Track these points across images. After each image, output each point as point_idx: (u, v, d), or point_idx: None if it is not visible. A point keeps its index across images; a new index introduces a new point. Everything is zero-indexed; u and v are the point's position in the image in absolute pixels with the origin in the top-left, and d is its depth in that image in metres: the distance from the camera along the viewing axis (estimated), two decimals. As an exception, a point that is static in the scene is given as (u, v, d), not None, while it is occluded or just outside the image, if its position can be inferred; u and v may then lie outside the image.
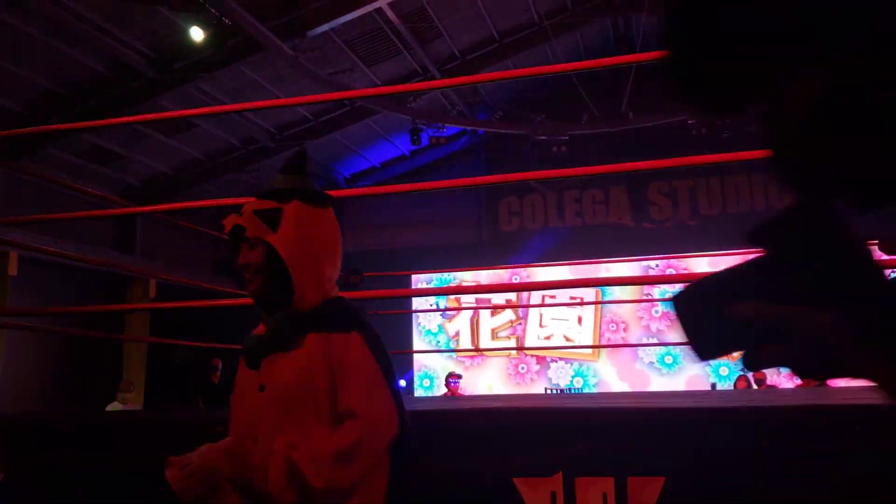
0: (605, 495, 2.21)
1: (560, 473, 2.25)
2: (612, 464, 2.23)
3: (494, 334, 12.87)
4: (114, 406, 8.43)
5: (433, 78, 11.15)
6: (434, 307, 12.90)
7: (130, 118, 4.00)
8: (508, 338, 12.85)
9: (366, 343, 1.74)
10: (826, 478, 2.07)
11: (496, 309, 12.61)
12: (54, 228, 9.79)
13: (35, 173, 8.18)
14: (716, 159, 3.26)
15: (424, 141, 11.97)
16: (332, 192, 2.33)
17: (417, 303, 12.73)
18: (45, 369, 10.30)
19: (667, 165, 3.31)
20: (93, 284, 10.98)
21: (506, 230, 13.38)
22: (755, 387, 9.83)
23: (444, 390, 10.20)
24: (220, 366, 9.59)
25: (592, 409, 2.77)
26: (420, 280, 12.68)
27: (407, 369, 12.84)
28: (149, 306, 10.82)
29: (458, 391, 9.86)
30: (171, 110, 9.44)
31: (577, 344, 12.41)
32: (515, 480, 2.27)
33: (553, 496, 2.24)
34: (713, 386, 11.29)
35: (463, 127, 12.58)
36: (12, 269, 9.37)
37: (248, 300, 1.90)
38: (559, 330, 12.64)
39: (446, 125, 12.02)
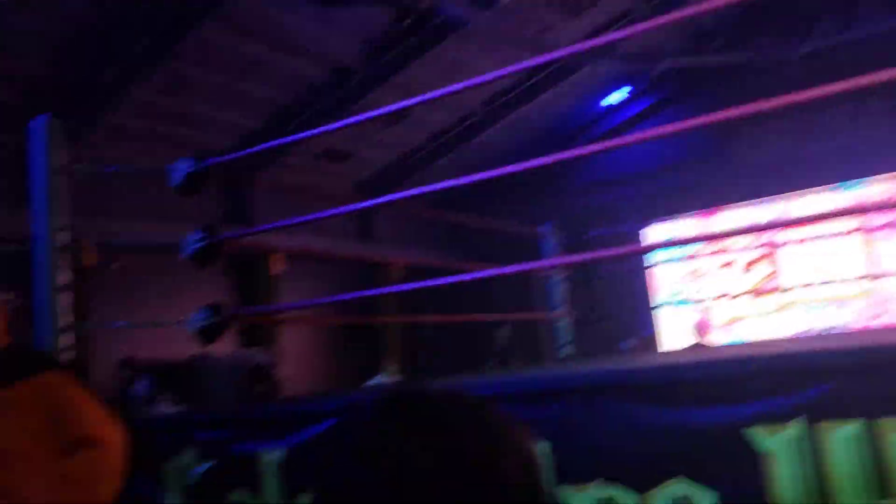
0: (850, 439, 2.06)
1: (801, 418, 2.13)
2: (860, 406, 2.07)
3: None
4: (376, 380, 9.20)
5: (641, 18, 10.68)
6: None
7: (353, 119, 4.28)
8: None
9: None
10: None
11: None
12: (306, 229, 10.79)
13: (278, 183, 9.07)
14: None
15: (639, 86, 11.55)
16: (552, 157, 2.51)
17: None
18: (316, 354, 11.46)
19: None
20: (345, 273, 11.97)
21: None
22: None
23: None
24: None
25: (836, 349, 2.58)
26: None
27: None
28: (401, 289, 11.52)
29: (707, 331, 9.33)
30: (388, 102, 9.97)
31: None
32: (751, 429, 2.19)
33: (793, 444, 2.14)
34: None
35: (680, 65, 11.93)
36: (276, 269, 10.48)
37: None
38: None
39: (660, 65, 11.49)
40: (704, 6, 3.54)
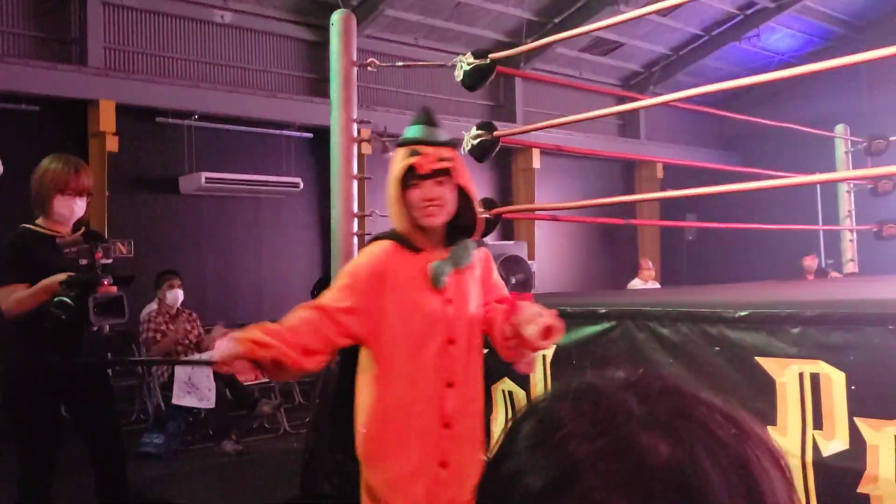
0: None
1: None
2: None
3: None
4: (633, 284, 9.08)
5: None
6: None
7: (629, 15, 4.06)
8: None
9: None
10: None
11: None
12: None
13: (542, 75, 8.93)
14: None
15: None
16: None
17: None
18: (571, 254, 11.52)
19: None
20: (604, 170, 11.76)
21: None
22: None
23: None
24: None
25: None
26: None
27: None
28: (651, 198, 11.16)
29: None
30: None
31: None
32: None
33: None
34: None
35: None
36: (535, 163, 10.54)
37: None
38: None
39: None
40: None
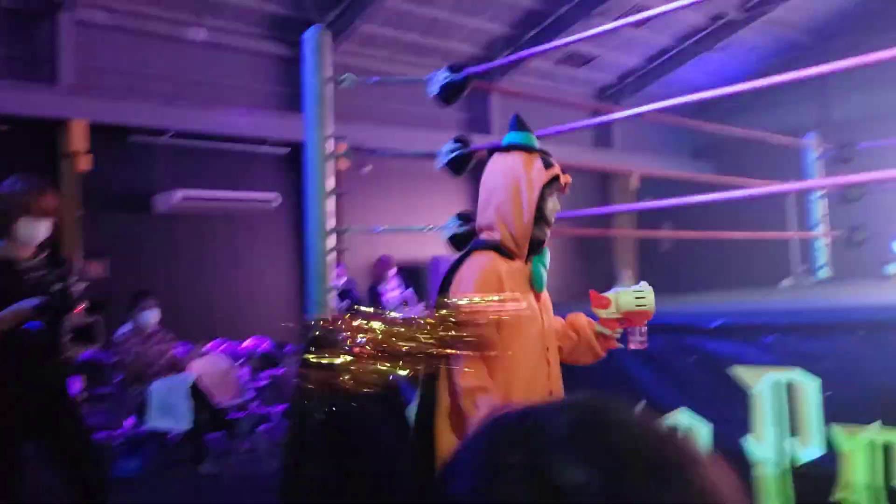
0: None
1: None
2: None
3: None
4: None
5: None
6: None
7: (602, 28, 4.10)
8: None
9: None
10: None
11: None
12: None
13: (518, 89, 8.98)
14: None
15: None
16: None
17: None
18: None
19: None
20: (580, 181, 11.82)
21: None
22: None
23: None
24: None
25: None
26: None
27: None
28: (629, 209, 11.24)
29: None
30: (635, 1, 9.49)
31: None
32: None
33: None
34: None
35: None
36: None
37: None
38: None
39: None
40: None
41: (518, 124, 2.20)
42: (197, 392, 5.47)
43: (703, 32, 11.53)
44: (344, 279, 7.83)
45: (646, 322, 2.15)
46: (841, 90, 12.37)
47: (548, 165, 2.10)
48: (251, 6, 8.69)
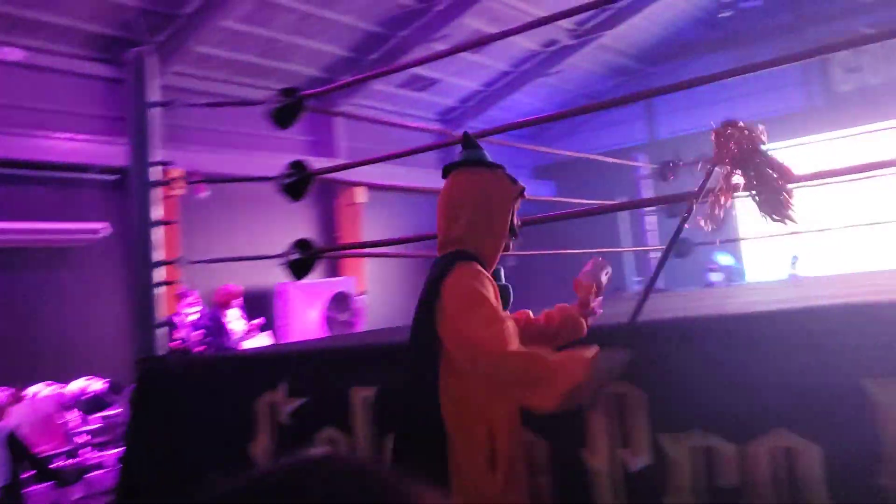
0: None
1: None
2: None
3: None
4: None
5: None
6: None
7: (442, 51, 4.17)
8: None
9: None
10: None
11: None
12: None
13: (361, 111, 8.97)
14: None
15: (734, 6, 10.90)
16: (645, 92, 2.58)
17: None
18: (401, 287, 11.53)
19: None
20: (430, 202, 11.94)
21: (843, 90, 11.78)
22: None
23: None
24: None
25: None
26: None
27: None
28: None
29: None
30: (474, 27, 9.76)
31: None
32: (865, 380, 2.07)
33: None
34: None
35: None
36: (360, 198, 10.53)
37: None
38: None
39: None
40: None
41: (470, 142, 2.23)
42: (15, 442, 5.00)
43: (538, 58, 12.04)
44: (198, 309, 7.47)
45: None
46: (666, 110, 13.30)
47: (512, 180, 2.16)
48: (74, 26, 8.15)
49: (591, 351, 1.86)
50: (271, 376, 2.93)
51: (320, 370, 2.90)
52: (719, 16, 11.42)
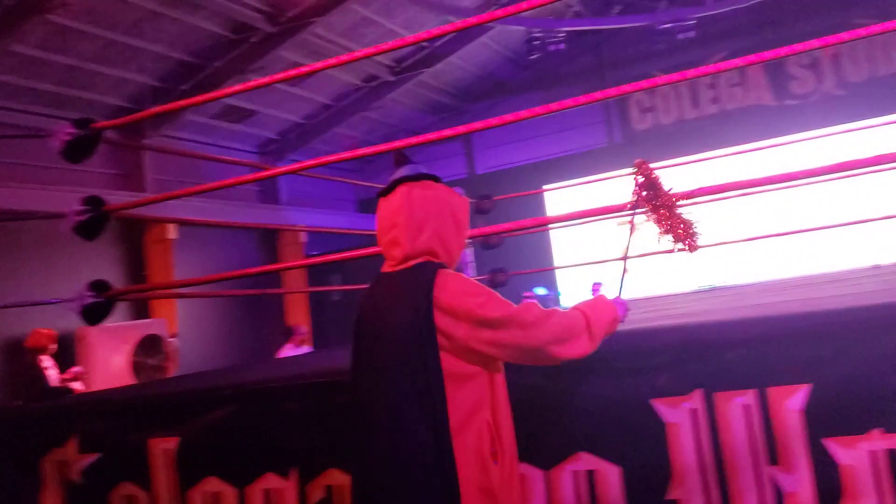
0: (746, 408, 2.13)
1: (699, 390, 2.18)
2: (753, 375, 2.13)
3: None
4: (285, 350, 8.96)
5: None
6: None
7: (258, 81, 4.05)
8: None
9: None
10: None
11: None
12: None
13: (173, 143, 8.57)
14: (868, 33, 2.90)
15: (542, 48, 11.55)
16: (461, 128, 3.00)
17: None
18: (217, 327, 11.06)
19: (812, 48, 2.97)
20: (245, 237, 11.59)
21: (639, 129, 12.81)
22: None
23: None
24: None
25: (730, 321, 2.63)
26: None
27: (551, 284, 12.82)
28: (301, 264, 11.31)
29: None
30: (292, 60, 9.66)
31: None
32: (654, 402, 2.21)
33: (693, 414, 2.18)
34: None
35: (582, 28, 12.01)
36: (171, 234, 10.01)
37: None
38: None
39: (563, 29, 11.52)
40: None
41: (405, 158, 2.17)
42: None
43: (360, 93, 12.12)
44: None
45: None
46: (484, 146, 13.84)
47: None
48: None
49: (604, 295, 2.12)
50: (58, 432, 2.68)
51: (114, 422, 2.68)
52: (530, 57, 12.04)
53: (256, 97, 10.79)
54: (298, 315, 11.46)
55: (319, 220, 11.70)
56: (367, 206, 13.68)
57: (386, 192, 2.10)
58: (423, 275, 1.97)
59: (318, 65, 3.86)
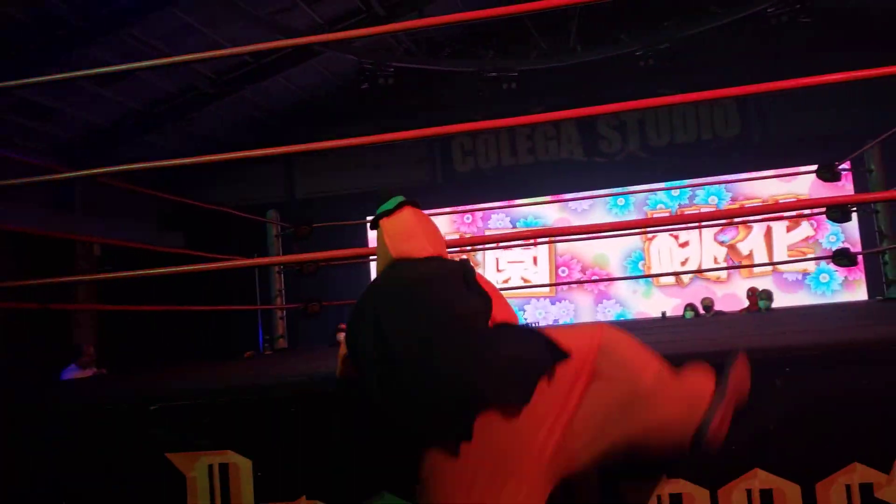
0: None
1: None
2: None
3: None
4: (69, 371, 8.22)
5: (377, 14, 10.79)
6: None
7: (52, 77, 3.70)
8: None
9: None
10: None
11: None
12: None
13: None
14: (669, 101, 3.16)
15: (372, 80, 11.61)
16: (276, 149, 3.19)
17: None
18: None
19: (620, 109, 3.20)
20: (32, 245, 10.57)
21: (461, 170, 13.19)
22: (703, 313, 10.02)
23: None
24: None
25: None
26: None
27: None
28: (95, 278, 10.50)
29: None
30: (102, 59, 9.00)
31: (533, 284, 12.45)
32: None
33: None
34: (663, 315, 11.43)
35: (410, 66, 12.22)
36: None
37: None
38: (516, 273, 12.80)
39: (393, 64, 11.65)
40: (434, 20, 3.63)
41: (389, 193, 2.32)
42: None
43: (176, 101, 11.53)
44: None
45: None
46: (306, 172, 13.64)
47: None
48: None
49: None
50: None
51: None
52: (361, 87, 12.04)
53: (58, 95, 9.97)
54: (90, 334, 10.58)
55: (122, 231, 10.91)
56: (176, 220, 12.98)
57: (391, 211, 2.23)
58: (456, 263, 2.08)
59: (132, 66, 3.62)
